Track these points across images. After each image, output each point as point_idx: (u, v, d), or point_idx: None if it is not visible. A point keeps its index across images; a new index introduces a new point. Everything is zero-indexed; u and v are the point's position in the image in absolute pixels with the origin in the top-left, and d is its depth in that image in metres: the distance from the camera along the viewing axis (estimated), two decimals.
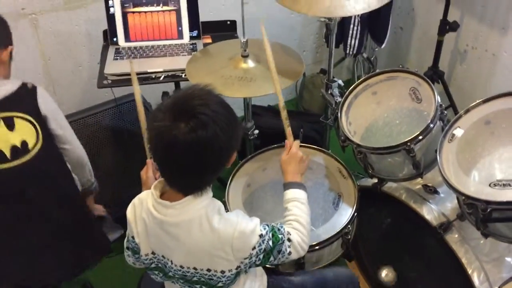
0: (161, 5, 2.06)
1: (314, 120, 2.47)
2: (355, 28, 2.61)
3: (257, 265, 1.24)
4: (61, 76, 2.49)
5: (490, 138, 1.47)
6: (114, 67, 1.96)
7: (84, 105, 2.38)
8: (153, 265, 1.25)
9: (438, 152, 1.47)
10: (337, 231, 1.54)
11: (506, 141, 1.44)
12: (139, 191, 1.29)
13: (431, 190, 1.67)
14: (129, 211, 1.22)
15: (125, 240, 1.32)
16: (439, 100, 1.57)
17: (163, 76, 1.93)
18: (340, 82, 2.02)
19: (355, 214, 1.60)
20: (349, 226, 1.57)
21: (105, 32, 2.12)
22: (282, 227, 1.25)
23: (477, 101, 1.50)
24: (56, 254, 1.63)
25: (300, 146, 1.49)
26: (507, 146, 1.43)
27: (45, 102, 1.56)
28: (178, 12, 2.07)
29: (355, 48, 2.67)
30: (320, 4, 1.70)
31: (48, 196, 1.59)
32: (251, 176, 1.79)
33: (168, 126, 1.04)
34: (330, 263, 1.63)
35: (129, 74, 1.90)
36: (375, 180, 1.76)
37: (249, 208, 1.70)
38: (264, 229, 1.20)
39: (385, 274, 1.70)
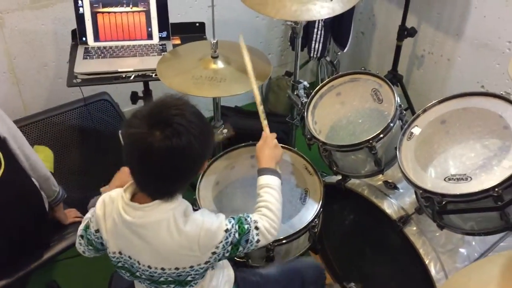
0: (130, 5, 2.08)
1: (280, 121, 2.53)
2: (319, 32, 2.71)
3: (226, 257, 1.27)
4: (26, 75, 2.47)
5: (445, 136, 1.56)
6: (84, 66, 1.97)
7: (50, 104, 2.38)
8: (119, 264, 1.27)
9: (397, 150, 1.56)
10: (305, 224, 1.61)
11: (460, 139, 1.54)
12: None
13: (391, 186, 1.77)
14: (99, 207, 1.23)
15: (81, 228, 1.32)
16: (399, 101, 1.66)
17: (133, 76, 1.95)
18: (305, 83, 2.09)
19: (321, 208, 1.67)
20: (315, 220, 1.64)
21: (74, 31, 2.12)
22: (248, 216, 1.28)
23: (433, 102, 1.60)
24: None
25: None
26: (461, 143, 1.53)
27: (2, 123, 1.52)
28: (147, 13, 2.10)
29: (319, 52, 2.77)
30: (287, 8, 1.77)
31: (14, 214, 1.59)
32: (220, 174, 1.84)
33: (144, 134, 1.07)
34: (298, 256, 1.70)
35: (98, 74, 1.94)
36: (339, 177, 1.84)
37: (219, 205, 1.74)
38: (230, 222, 1.23)
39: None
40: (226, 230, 1.22)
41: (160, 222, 1.16)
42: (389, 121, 1.61)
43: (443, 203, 1.39)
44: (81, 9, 2.05)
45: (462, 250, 1.67)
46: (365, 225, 1.90)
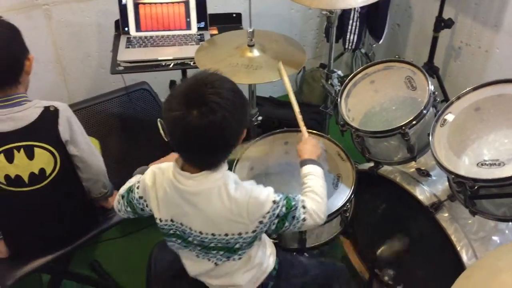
0: None
1: (314, 111, 2.58)
2: (354, 23, 2.72)
3: (273, 230, 1.33)
4: (71, 65, 2.59)
5: (479, 123, 1.56)
6: (126, 54, 2.06)
7: (93, 93, 2.48)
8: (171, 232, 1.34)
9: (430, 135, 1.58)
10: (336, 208, 1.65)
11: (493, 126, 1.54)
12: None
13: (424, 173, 1.78)
14: (148, 177, 1.31)
15: (124, 190, 1.40)
16: (433, 88, 1.67)
17: (172, 64, 2.03)
18: (339, 72, 2.12)
19: (353, 193, 1.70)
20: (347, 204, 1.67)
21: (117, 22, 2.22)
22: (296, 195, 1.35)
23: (468, 89, 1.61)
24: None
25: None
26: (494, 129, 1.53)
27: (66, 128, 1.59)
28: (186, 4, 2.18)
29: (354, 43, 2.78)
30: None
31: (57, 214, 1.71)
32: (254, 159, 1.89)
33: (182, 114, 1.14)
34: (329, 240, 1.73)
35: (139, 62, 2.02)
36: (372, 164, 1.86)
37: None
38: (278, 196, 1.30)
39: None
40: (274, 202, 1.28)
41: (211, 189, 1.24)
42: (422, 108, 1.63)
43: (475, 188, 1.40)
44: (124, 0, 2.14)
45: (495, 238, 1.67)
46: (397, 212, 1.91)
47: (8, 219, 1.66)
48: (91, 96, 2.38)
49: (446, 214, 1.64)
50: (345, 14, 2.70)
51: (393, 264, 1.98)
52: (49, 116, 1.56)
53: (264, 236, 1.46)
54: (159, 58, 2.03)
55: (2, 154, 1.52)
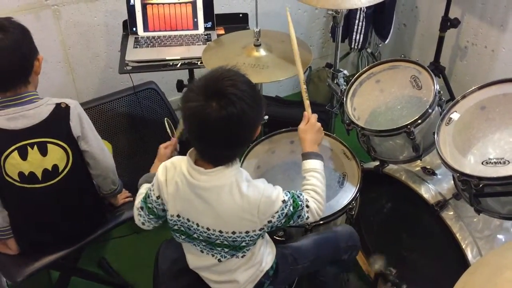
0: None
1: (320, 110, 2.57)
2: (360, 23, 2.74)
3: (278, 227, 1.38)
4: (80, 65, 2.62)
5: (484, 121, 1.57)
6: (134, 54, 2.08)
7: (101, 92, 2.51)
8: (175, 227, 1.36)
9: (436, 134, 1.59)
10: (342, 206, 1.66)
11: (499, 124, 1.54)
12: None
13: (429, 172, 1.79)
14: (161, 173, 1.33)
15: (139, 201, 1.42)
16: (438, 88, 1.68)
17: (180, 64, 2.05)
18: (345, 72, 2.13)
19: (359, 191, 1.72)
20: (353, 202, 1.69)
21: (125, 22, 2.24)
22: (301, 194, 1.38)
23: (473, 88, 1.62)
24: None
25: None
26: (499, 128, 1.53)
27: (77, 124, 1.62)
28: (194, 4, 2.20)
29: (360, 43, 2.79)
30: None
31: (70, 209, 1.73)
32: (261, 158, 1.91)
33: (201, 106, 1.16)
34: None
35: (147, 61, 2.04)
36: (377, 163, 1.87)
37: None
38: (286, 195, 1.33)
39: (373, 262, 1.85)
40: (284, 201, 1.31)
41: (224, 186, 1.26)
42: (428, 107, 1.64)
43: (480, 186, 1.40)
44: (132, 1, 2.17)
45: (500, 236, 1.68)
46: (402, 210, 1.92)
47: (19, 216, 1.68)
48: (99, 96, 2.41)
49: (451, 213, 1.65)
50: (351, 14, 2.72)
51: (397, 262, 1.99)
52: (61, 112, 1.59)
53: (266, 235, 1.48)
54: (167, 58, 2.06)
55: (16, 152, 1.55)
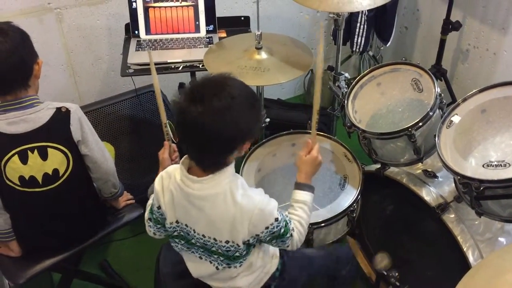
0: (180, 0, 2.20)
1: (321, 113, 2.57)
2: (362, 26, 2.74)
3: (260, 243, 1.38)
4: (82, 68, 2.63)
5: (485, 124, 1.57)
6: (136, 57, 2.09)
7: (103, 95, 2.53)
8: (175, 233, 1.37)
9: (437, 137, 1.59)
10: (343, 209, 1.66)
11: (500, 127, 1.54)
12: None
13: (431, 175, 1.79)
14: (157, 182, 1.33)
15: (147, 212, 1.43)
16: (439, 90, 1.69)
17: (181, 66, 2.06)
18: (346, 75, 2.13)
19: (360, 194, 1.72)
20: (354, 204, 1.69)
21: (127, 25, 2.26)
22: (290, 221, 1.35)
23: (474, 91, 1.62)
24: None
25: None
26: (500, 131, 1.53)
27: (77, 128, 1.62)
28: (196, 7, 2.21)
29: (361, 46, 2.80)
30: (329, 0, 1.82)
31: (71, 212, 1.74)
32: (262, 161, 1.91)
33: (186, 107, 1.15)
34: (336, 240, 1.75)
35: (149, 64, 2.05)
36: (378, 166, 1.87)
37: None
38: (280, 215, 1.31)
39: (380, 260, 1.82)
40: (276, 219, 1.29)
41: (218, 194, 1.25)
42: (429, 109, 1.64)
43: (481, 188, 1.40)
44: (134, 4, 2.18)
45: (501, 239, 1.67)
46: (403, 213, 1.92)
47: (20, 219, 1.69)
48: (101, 98, 2.43)
49: (453, 215, 1.65)
50: (353, 17, 2.72)
51: (399, 265, 1.99)
52: (61, 117, 1.59)
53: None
54: (169, 61, 2.07)
55: (16, 156, 1.55)
